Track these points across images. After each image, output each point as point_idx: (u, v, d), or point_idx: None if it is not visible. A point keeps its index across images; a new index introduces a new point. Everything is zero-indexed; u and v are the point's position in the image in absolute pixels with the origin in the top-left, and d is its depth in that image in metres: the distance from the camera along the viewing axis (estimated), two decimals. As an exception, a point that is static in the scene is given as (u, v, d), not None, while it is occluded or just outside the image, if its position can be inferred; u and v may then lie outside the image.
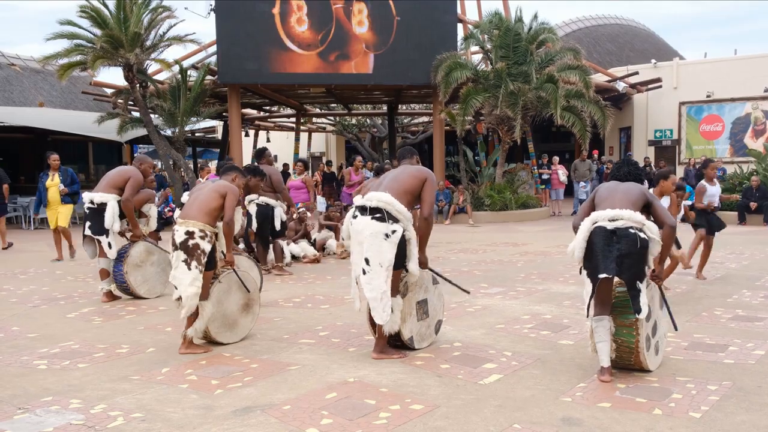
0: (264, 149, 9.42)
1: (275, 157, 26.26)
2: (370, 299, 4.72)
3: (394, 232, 4.70)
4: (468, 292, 5.66)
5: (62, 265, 10.16)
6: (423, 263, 4.99)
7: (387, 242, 4.69)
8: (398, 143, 25.28)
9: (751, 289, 7.39)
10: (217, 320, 5.25)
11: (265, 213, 8.70)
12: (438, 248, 11.21)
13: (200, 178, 13.48)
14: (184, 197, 6.91)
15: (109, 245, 7.16)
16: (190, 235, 5.09)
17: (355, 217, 4.88)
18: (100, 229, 7.14)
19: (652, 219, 4.48)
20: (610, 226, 4.27)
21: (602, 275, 4.22)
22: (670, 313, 4.62)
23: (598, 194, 4.61)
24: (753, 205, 15.11)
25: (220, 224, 5.33)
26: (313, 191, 11.96)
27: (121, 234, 7.39)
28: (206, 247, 5.11)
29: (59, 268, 9.76)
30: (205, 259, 5.10)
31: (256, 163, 9.08)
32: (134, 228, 7.29)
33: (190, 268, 5.04)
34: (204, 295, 5.11)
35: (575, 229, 4.57)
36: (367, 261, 4.71)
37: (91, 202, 7.22)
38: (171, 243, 5.22)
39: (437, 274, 5.29)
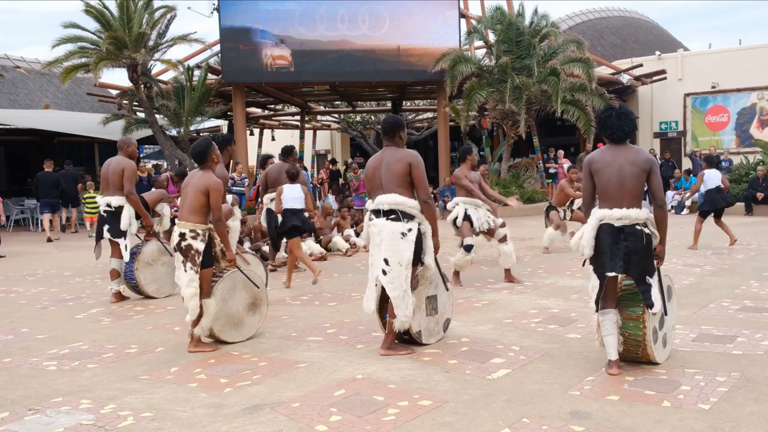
0: (291, 147, 9.35)
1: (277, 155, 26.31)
2: (393, 298, 4.77)
3: (410, 230, 4.78)
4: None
5: (71, 266, 10.20)
6: (436, 248, 4.98)
7: (404, 241, 4.75)
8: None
9: (758, 279, 7.36)
10: (221, 319, 5.26)
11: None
12: (444, 244, 11.18)
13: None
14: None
15: (126, 247, 7.18)
16: (182, 236, 5.11)
17: (371, 219, 4.95)
18: (118, 231, 7.15)
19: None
20: (617, 223, 4.27)
21: (610, 274, 4.22)
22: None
23: (600, 183, 4.33)
24: (759, 195, 15.05)
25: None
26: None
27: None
28: (199, 246, 5.09)
29: (67, 270, 9.80)
30: (200, 258, 5.09)
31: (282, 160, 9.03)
32: (145, 219, 7.27)
33: (186, 270, 5.08)
34: (207, 293, 5.13)
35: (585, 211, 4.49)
36: (386, 261, 4.76)
37: (108, 206, 7.20)
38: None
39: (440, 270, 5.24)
